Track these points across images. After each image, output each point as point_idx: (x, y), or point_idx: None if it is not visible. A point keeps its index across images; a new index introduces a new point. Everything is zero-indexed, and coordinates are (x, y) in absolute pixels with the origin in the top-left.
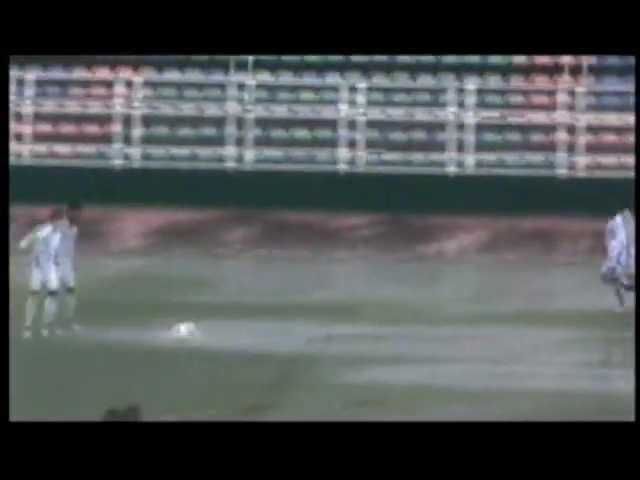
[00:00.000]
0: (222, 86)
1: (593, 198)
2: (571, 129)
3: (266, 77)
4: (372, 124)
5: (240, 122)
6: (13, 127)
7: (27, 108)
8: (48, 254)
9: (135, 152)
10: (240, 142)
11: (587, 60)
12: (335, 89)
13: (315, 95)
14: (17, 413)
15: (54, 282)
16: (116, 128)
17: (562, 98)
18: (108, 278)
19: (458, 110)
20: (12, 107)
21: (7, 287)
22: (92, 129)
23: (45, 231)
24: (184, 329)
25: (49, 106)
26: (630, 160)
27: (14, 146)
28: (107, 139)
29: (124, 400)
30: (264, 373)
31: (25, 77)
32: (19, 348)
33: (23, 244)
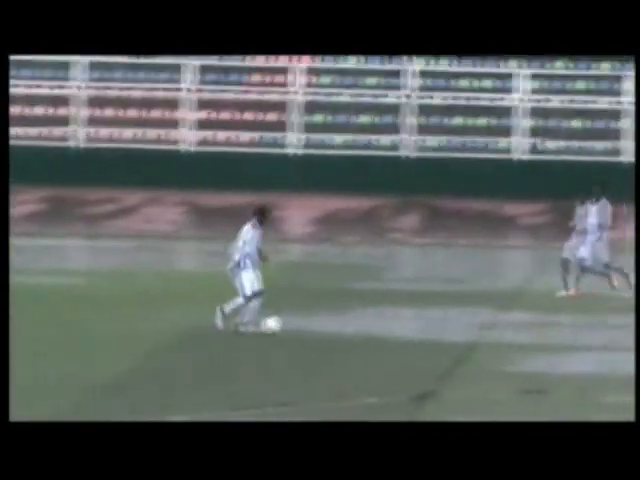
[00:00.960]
0: (394, 74)
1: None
2: None
3: (430, 65)
4: (538, 112)
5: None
6: (185, 115)
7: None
8: (253, 254)
9: (304, 139)
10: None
11: None
12: (507, 77)
13: (493, 83)
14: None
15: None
16: (291, 116)
17: None
18: (282, 265)
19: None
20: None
21: (7, 287)
22: (270, 116)
23: (250, 232)
24: (273, 323)
25: (228, 94)
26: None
27: (190, 134)
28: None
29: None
30: (432, 360)
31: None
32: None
33: (233, 249)
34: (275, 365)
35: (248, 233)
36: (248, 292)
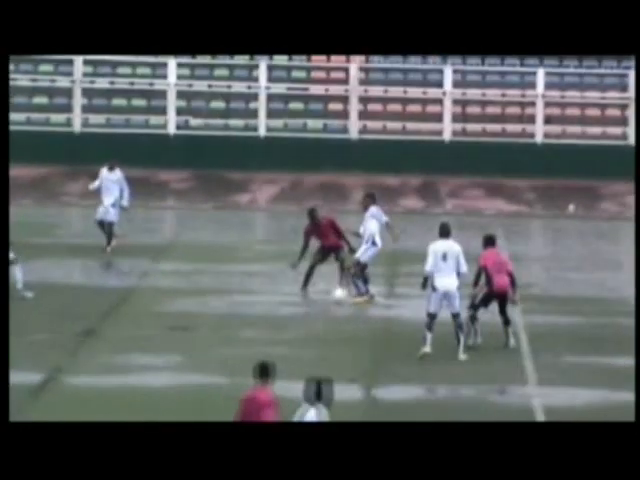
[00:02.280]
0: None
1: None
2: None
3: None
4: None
5: None
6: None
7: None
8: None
9: None
10: None
11: None
12: (161, 65)
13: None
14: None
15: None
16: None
17: None
18: None
19: None
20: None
21: (7, 286)
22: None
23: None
24: (340, 293)
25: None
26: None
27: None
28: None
29: None
30: (94, 303)
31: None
32: None
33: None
34: None
35: None
36: None
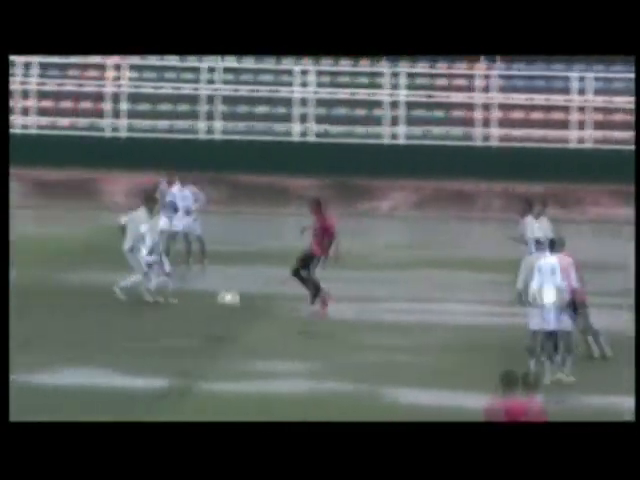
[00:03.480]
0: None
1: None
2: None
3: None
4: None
5: None
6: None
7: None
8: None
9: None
10: None
11: None
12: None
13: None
14: None
15: None
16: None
17: None
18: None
19: None
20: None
21: (7, 286)
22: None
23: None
24: (229, 297)
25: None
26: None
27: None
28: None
29: None
30: (229, 308)
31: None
32: None
33: None
34: (96, 312)
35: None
36: None
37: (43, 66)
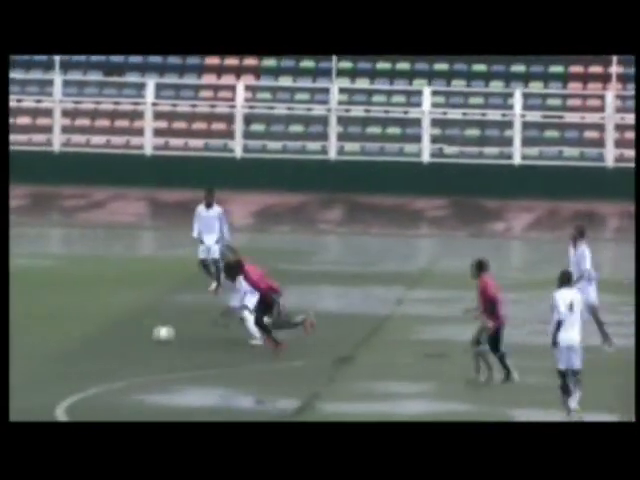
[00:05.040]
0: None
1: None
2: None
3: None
4: (439, 122)
5: None
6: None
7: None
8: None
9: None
10: None
11: None
12: (415, 93)
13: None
14: None
15: None
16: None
17: None
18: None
19: None
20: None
21: (7, 285)
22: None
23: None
24: (164, 332)
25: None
26: None
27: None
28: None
29: None
30: (350, 331)
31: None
32: None
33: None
34: (218, 335)
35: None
36: None
37: (164, 87)
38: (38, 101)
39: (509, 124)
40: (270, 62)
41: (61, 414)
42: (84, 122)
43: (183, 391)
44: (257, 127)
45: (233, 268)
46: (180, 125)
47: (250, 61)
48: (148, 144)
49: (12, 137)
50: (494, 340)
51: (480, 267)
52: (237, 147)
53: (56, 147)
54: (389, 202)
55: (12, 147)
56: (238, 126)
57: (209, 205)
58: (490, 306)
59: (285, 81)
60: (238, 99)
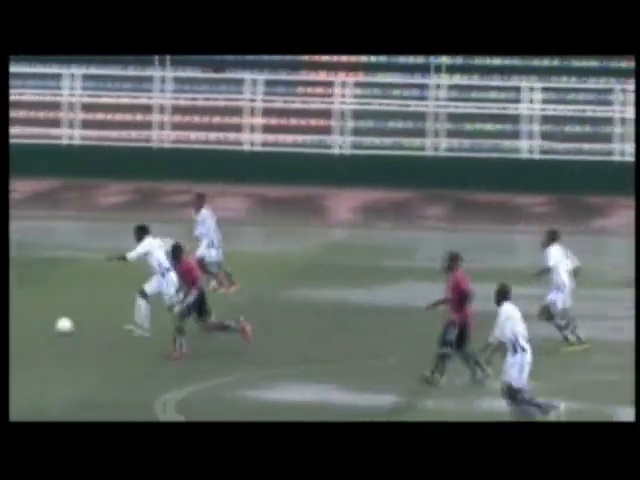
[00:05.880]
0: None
1: None
2: None
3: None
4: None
5: None
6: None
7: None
8: None
9: (349, 141)
10: None
11: None
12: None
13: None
14: None
15: None
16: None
17: None
18: (328, 246)
19: None
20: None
21: (7, 288)
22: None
23: None
24: (66, 323)
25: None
26: None
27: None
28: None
29: None
30: None
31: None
32: None
33: None
34: (319, 328)
35: None
36: None
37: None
38: (135, 97)
39: (609, 120)
40: (371, 59)
41: (171, 409)
42: (183, 119)
43: (283, 387)
44: (361, 123)
45: (177, 248)
46: (281, 122)
47: (349, 58)
48: (257, 140)
49: (113, 134)
50: (459, 336)
51: (454, 260)
52: (337, 143)
53: (154, 143)
54: (492, 198)
55: (108, 143)
56: (341, 123)
57: (199, 209)
58: (460, 299)
59: (390, 78)
60: (345, 94)
